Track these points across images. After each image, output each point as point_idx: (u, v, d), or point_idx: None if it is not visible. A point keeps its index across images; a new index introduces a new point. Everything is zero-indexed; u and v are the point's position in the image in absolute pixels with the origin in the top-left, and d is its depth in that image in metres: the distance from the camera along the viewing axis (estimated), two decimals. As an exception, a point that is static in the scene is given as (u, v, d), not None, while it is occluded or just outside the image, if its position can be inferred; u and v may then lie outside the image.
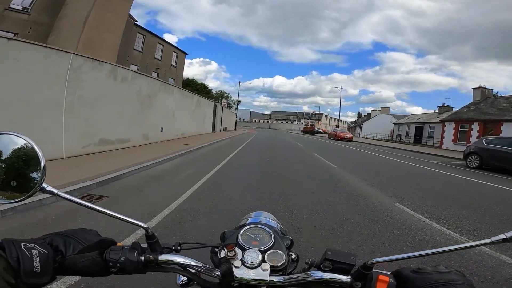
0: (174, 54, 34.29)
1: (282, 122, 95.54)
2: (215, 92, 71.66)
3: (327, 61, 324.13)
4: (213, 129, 26.81)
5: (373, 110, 60.80)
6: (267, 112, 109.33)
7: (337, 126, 51.26)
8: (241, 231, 0.66)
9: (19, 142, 0.50)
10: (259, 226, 0.69)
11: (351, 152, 17.10)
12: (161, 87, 12.41)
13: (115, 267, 0.54)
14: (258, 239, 0.65)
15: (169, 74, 33.13)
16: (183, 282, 0.67)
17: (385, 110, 57.30)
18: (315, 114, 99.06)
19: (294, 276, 0.58)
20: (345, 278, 0.55)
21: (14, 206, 3.21)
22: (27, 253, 0.46)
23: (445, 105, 33.37)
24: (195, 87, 54.99)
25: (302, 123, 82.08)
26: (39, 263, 0.46)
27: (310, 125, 48.82)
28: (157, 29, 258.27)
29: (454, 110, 29.95)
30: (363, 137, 48.81)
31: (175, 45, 36.55)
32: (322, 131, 49.84)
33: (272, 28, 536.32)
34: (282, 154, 13.02)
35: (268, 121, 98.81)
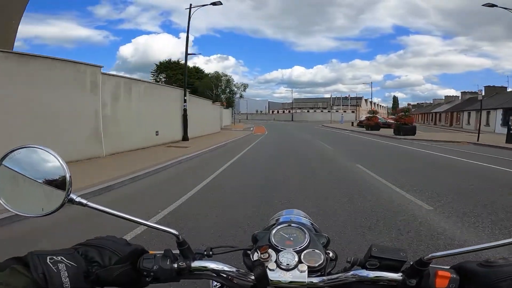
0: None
1: (308, 111, 72.80)
2: (211, 75, 51.17)
3: (346, 48, 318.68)
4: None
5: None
6: (289, 101, 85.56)
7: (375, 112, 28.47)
8: (273, 231, 0.62)
9: (44, 155, 0.51)
10: (292, 225, 0.65)
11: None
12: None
13: (149, 276, 0.53)
14: (291, 238, 0.61)
15: None
16: None
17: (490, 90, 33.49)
18: (352, 98, 75.38)
19: (335, 276, 0.54)
20: (396, 276, 0.51)
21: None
22: (53, 268, 0.43)
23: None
24: (178, 71, 42.93)
25: (337, 111, 59.22)
26: (67, 278, 0.43)
27: (372, 114, 26.25)
28: (172, 29, 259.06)
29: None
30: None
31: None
32: (389, 123, 27.13)
33: (285, 19, 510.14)
34: None
35: (289, 111, 75.86)
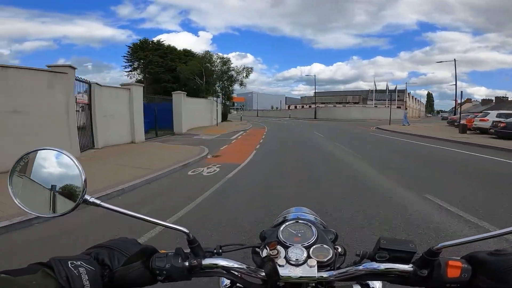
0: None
1: (335, 106, 55.07)
2: (201, 55, 37.03)
3: (368, 44, 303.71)
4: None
5: None
6: (312, 92, 69.10)
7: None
8: (281, 228, 0.63)
9: (60, 157, 0.52)
10: (300, 221, 0.66)
11: None
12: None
13: (162, 275, 0.53)
14: (299, 234, 0.61)
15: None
16: (227, 286, 0.67)
17: None
18: (392, 91, 58.18)
19: (345, 269, 0.54)
20: (407, 267, 0.51)
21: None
22: (75, 271, 0.45)
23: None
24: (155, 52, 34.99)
25: (376, 106, 43.06)
26: (88, 281, 0.45)
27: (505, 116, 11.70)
28: (191, 28, 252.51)
29: None
30: None
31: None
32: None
33: (303, 16, 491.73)
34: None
35: (310, 106, 59.21)
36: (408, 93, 63.19)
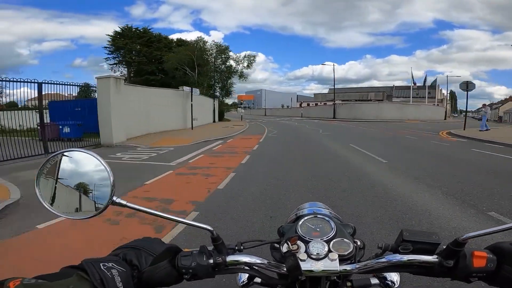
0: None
1: (356, 101, 45.98)
2: (191, 43, 29.82)
3: (381, 43, 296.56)
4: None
5: None
6: (325, 91, 61.17)
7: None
8: (300, 223, 0.62)
9: (89, 159, 0.52)
10: (318, 216, 0.65)
11: None
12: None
13: (188, 273, 0.53)
14: (318, 229, 0.61)
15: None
16: (244, 283, 0.68)
17: None
18: (418, 87, 49.84)
19: (366, 262, 0.54)
20: (431, 258, 0.52)
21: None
22: (108, 273, 0.45)
23: None
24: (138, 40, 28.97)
25: (405, 103, 35.31)
26: (121, 282, 0.46)
27: None
28: (202, 28, 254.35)
29: None
30: None
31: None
32: None
33: (314, 15, 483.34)
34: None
35: (325, 103, 51.08)
36: (440, 89, 54.65)
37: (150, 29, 31.56)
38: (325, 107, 43.42)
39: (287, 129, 18.98)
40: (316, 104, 56.48)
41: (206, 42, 28.60)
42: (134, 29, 30.28)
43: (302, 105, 56.05)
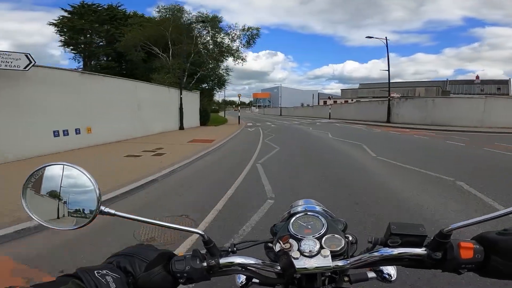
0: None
1: (401, 99, 34.10)
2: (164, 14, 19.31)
3: (406, 41, 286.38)
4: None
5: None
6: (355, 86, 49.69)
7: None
8: (291, 221, 0.63)
9: (73, 171, 0.53)
10: (308, 213, 0.66)
11: None
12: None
13: (183, 277, 0.54)
14: (309, 226, 0.62)
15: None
16: (242, 283, 0.68)
17: None
18: (482, 82, 37.39)
19: (359, 257, 0.55)
20: (420, 251, 0.52)
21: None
22: (103, 280, 0.46)
23: None
24: (100, 15, 21.04)
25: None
26: None
27: None
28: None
29: None
30: None
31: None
32: None
33: (334, 13, 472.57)
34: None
35: (352, 100, 39.00)
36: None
37: (119, 6, 22.59)
38: (366, 105, 28.88)
39: (305, 154, 8.33)
40: (346, 101, 45.02)
41: (184, 12, 18.80)
42: (86, 5, 20.93)
43: (328, 103, 43.35)
